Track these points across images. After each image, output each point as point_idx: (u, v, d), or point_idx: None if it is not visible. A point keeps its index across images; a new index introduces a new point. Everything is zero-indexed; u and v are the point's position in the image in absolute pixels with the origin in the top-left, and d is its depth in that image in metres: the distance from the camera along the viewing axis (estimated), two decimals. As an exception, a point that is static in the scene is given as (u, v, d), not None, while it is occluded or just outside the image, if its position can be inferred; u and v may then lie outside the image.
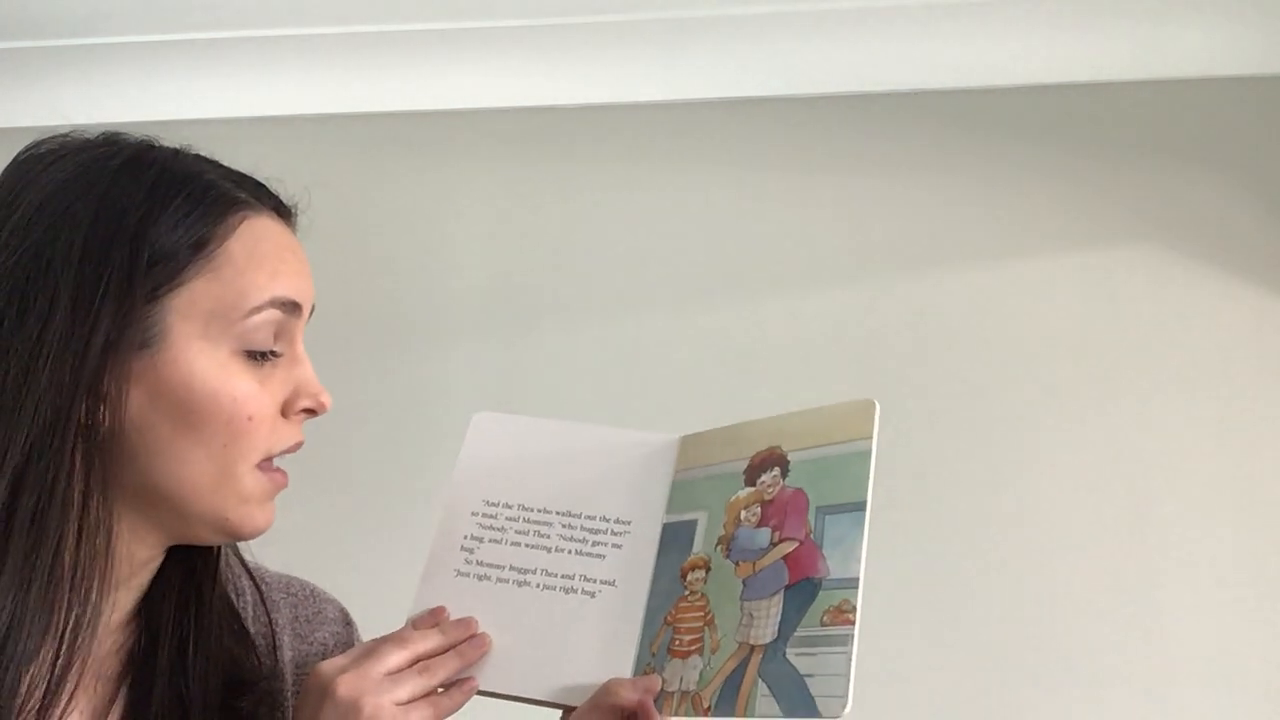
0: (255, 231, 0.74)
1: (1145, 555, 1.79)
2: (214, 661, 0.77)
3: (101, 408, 0.68)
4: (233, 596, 0.84)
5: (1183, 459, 1.82)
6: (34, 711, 0.66)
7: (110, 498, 0.69)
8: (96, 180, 0.70)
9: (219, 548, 0.80)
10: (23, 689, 0.66)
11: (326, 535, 1.88)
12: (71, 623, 0.67)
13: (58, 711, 0.67)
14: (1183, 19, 1.95)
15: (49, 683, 0.67)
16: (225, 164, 0.78)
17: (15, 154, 0.74)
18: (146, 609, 0.77)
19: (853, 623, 0.69)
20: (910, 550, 1.80)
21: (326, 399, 0.76)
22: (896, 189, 1.99)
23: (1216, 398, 1.84)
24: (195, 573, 0.79)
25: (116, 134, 0.75)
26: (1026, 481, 1.84)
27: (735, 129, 2.06)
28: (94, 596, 0.68)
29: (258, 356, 0.72)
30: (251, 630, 0.83)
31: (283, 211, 0.79)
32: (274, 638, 0.85)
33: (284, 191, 0.80)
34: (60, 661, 0.67)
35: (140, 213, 0.69)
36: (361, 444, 1.96)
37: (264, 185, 0.78)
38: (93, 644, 0.71)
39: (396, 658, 0.75)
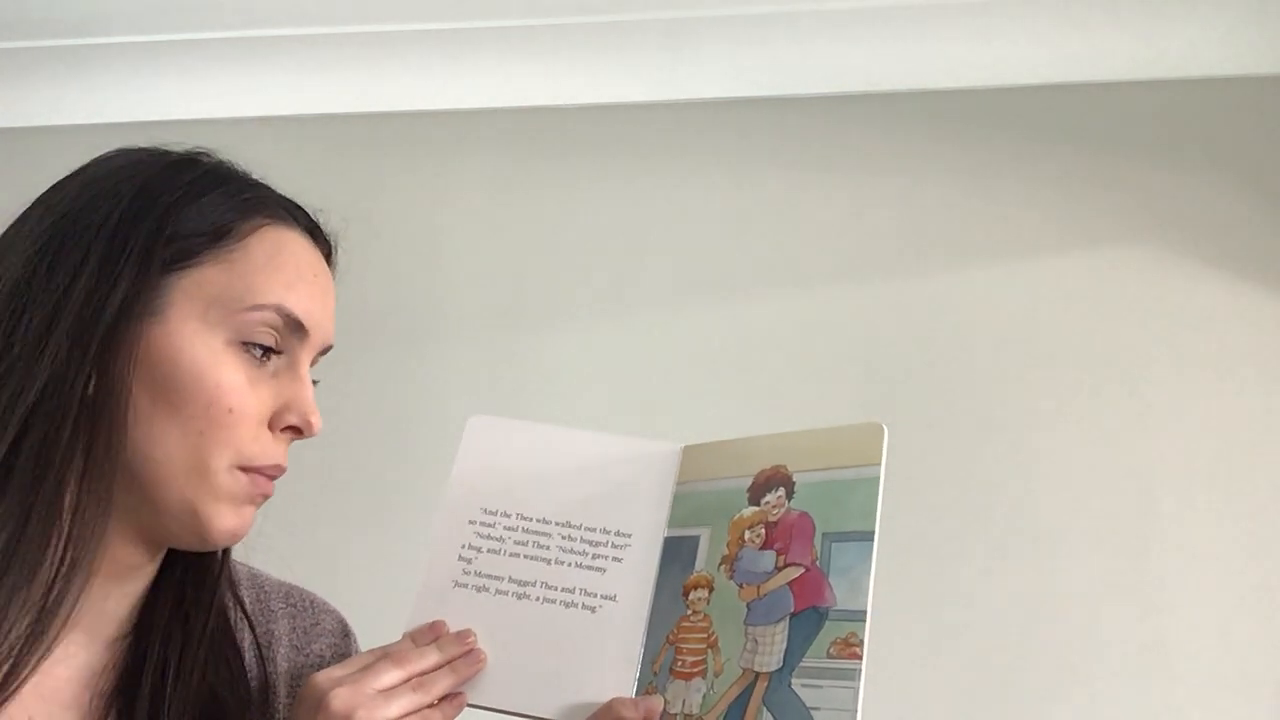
0: (280, 241, 0.76)
1: (1146, 555, 1.79)
2: (194, 696, 0.77)
3: (105, 366, 0.69)
4: (230, 609, 0.83)
5: (1183, 459, 1.82)
6: (14, 650, 0.67)
7: (115, 449, 0.70)
8: (145, 169, 0.75)
9: (215, 575, 0.80)
10: (6, 624, 0.66)
11: (322, 537, 1.88)
12: (65, 565, 0.68)
13: (39, 651, 0.68)
14: (1183, 19, 1.94)
15: (33, 622, 0.67)
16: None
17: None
18: (138, 629, 0.77)
19: (860, 656, 0.68)
20: (909, 550, 1.80)
21: (316, 421, 0.76)
22: (896, 189, 1.99)
23: (1217, 397, 1.84)
24: (184, 602, 0.79)
25: (192, 148, 0.79)
26: (1026, 481, 1.84)
27: (735, 129, 2.05)
28: (91, 543, 0.69)
29: (252, 353, 0.73)
30: (245, 643, 0.83)
31: (318, 240, 0.81)
32: (264, 651, 0.84)
33: (327, 227, 0.83)
34: (51, 598, 0.67)
35: (175, 196, 0.73)
36: (358, 445, 1.96)
37: (305, 210, 0.81)
38: (83, 602, 0.70)
39: (392, 676, 0.74)
